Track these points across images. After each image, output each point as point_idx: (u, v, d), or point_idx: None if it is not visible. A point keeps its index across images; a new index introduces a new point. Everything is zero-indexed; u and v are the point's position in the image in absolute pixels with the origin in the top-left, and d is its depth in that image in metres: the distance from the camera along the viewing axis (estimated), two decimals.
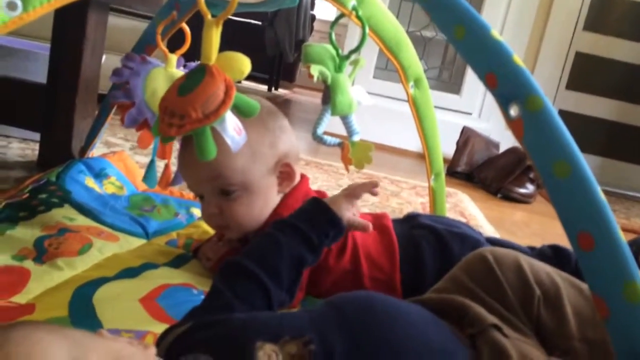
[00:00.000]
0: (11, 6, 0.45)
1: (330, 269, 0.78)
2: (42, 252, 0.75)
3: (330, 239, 0.66)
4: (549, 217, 2.03)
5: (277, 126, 0.79)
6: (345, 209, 0.67)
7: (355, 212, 0.69)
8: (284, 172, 0.79)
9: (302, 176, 0.84)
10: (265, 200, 0.78)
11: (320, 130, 0.77)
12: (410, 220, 0.88)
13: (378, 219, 0.85)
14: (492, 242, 0.86)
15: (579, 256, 0.44)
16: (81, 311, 0.63)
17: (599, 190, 0.44)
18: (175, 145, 0.98)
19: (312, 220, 0.65)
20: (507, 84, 0.49)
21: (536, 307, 0.57)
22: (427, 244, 0.80)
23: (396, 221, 0.87)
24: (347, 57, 0.80)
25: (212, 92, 0.59)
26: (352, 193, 0.69)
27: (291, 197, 0.81)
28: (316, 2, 4.84)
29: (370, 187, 0.70)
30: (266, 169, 0.77)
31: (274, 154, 0.78)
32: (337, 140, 0.80)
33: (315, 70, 0.75)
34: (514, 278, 0.59)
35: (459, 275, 0.62)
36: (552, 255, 0.83)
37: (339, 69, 0.80)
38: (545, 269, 0.60)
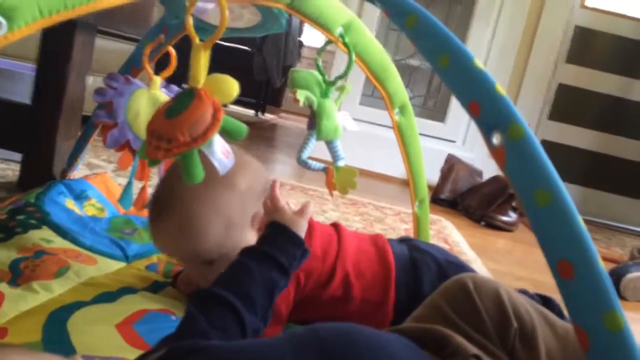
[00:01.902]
0: None
1: (319, 298, 0.76)
2: (17, 275, 0.73)
3: (298, 260, 0.66)
4: (531, 245, 2.04)
5: (244, 182, 0.74)
6: (301, 226, 0.68)
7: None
8: (263, 225, 0.74)
9: None
10: None
11: (305, 155, 0.77)
12: (407, 242, 0.86)
13: (374, 239, 0.84)
14: None
15: (559, 285, 0.44)
16: (55, 336, 0.61)
17: (579, 219, 0.44)
18: (154, 169, 0.97)
19: (278, 244, 0.65)
20: (489, 113, 0.50)
21: (512, 339, 0.57)
22: (428, 270, 0.78)
23: (393, 241, 0.85)
24: (334, 83, 0.81)
25: (200, 115, 0.59)
26: (301, 210, 0.69)
27: None
28: (304, 29, 4.90)
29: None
30: (242, 231, 0.73)
31: (247, 212, 0.74)
32: (322, 165, 0.80)
33: (301, 95, 0.75)
34: (492, 307, 0.58)
35: (437, 301, 0.61)
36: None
37: (325, 94, 0.80)
38: (524, 304, 0.60)
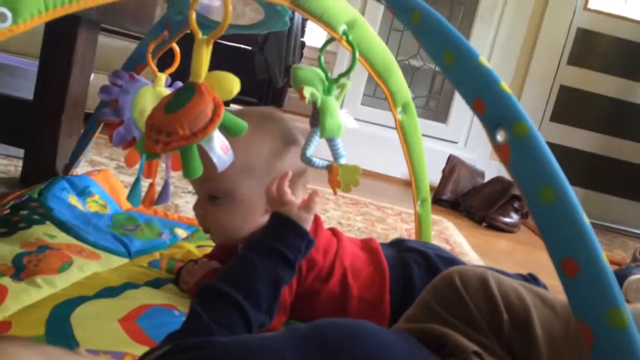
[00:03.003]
0: (1, 18, 0.44)
1: (319, 291, 0.77)
2: (20, 269, 0.73)
3: (303, 252, 0.65)
4: (532, 247, 2.04)
5: (283, 142, 0.77)
6: (299, 214, 0.66)
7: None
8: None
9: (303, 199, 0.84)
10: (247, 215, 0.77)
11: (309, 152, 0.77)
12: (398, 245, 0.88)
13: (366, 243, 0.85)
14: None
15: (563, 283, 0.44)
16: (58, 330, 0.61)
17: (584, 216, 0.44)
18: (161, 166, 0.97)
19: (283, 237, 0.64)
20: (494, 110, 0.50)
21: (506, 332, 0.56)
22: (417, 266, 0.80)
23: (384, 245, 0.86)
24: (336, 80, 0.81)
25: (201, 110, 0.59)
26: (307, 205, 0.67)
27: None
28: (306, 29, 4.90)
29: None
30: (256, 184, 0.75)
31: (267, 171, 0.76)
32: (326, 162, 0.80)
33: (307, 91, 0.75)
34: (481, 300, 0.57)
35: (427, 299, 0.60)
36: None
37: (327, 91, 0.80)
38: (515, 288, 0.58)
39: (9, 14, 0.45)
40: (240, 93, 0.61)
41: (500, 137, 0.49)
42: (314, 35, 5.68)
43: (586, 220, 0.44)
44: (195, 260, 0.85)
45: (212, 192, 0.76)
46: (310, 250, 0.67)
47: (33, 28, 0.48)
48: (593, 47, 3.04)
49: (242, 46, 4.40)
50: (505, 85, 0.51)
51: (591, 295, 0.42)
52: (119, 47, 2.01)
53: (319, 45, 0.83)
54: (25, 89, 1.29)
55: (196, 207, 0.79)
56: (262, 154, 0.76)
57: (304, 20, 4.63)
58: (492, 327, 0.56)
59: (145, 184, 0.95)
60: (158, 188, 0.94)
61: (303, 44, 4.88)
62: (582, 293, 0.43)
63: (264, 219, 0.77)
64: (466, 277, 0.59)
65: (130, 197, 0.94)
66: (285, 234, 0.64)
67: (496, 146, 0.49)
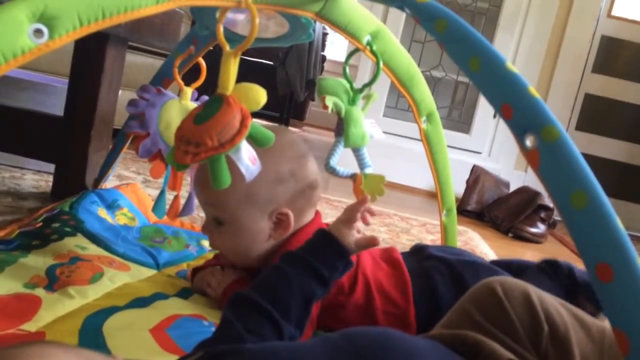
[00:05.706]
0: (38, 34, 0.46)
1: (343, 304, 0.77)
2: (53, 280, 0.75)
3: (339, 272, 0.64)
4: (560, 257, 2.01)
5: (286, 170, 0.76)
6: (349, 236, 0.65)
7: (357, 233, 0.66)
8: (280, 220, 0.77)
9: (315, 212, 0.84)
10: (251, 242, 0.78)
11: (333, 161, 0.77)
12: (419, 253, 0.87)
13: (387, 253, 0.84)
14: (499, 263, 0.86)
15: (597, 288, 0.43)
16: (91, 340, 0.62)
17: (617, 220, 0.43)
18: (186, 179, 0.98)
19: (322, 254, 0.63)
20: (523, 115, 0.50)
21: (544, 344, 0.56)
22: (440, 275, 0.79)
23: (405, 254, 0.86)
24: (361, 90, 0.82)
25: (228, 121, 0.60)
26: (349, 218, 0.66)
27: (303, 233, 0.79)
28: (327, 43, 4.94)
29: (364, 204, 0.67)
30: (259, 213, 0.76)
31: (270, 200, 0.76)
32: (350, 171, 0.80)
33: (329, 101, 0.75)
34: (523, 311, 0.57)
35: (467, 307, 0.60)
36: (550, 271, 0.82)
37: (352, 102, 0.81)
38: (555, 305, 0.58)
39: (45, 30, 0.46)
40: (263, 107, 0.62)
41: (529, 142, 0.49)
42: (334, 49, 5.72)
43: (620, 225, 0.43)
44: (221, 266, 0.86)
45: (216, 216, 0.78)
46: (349, 269, 0.66)
47: (63, 47, 0.49)
48: (618, 54, 3.00)
49: (264, 61, 4.44)
50: (534, 90, 0.50)
51: (627, 301, 0.41)
52: (146, 64, 2.05)
53: (340, 59, 0.84)
54: (56, 106, 1.33)
55: (203, 229, 0.81)
56: (265, 183, 0.75)
57: (324, 34, 4.66)
58: (531, 338, 0.56)
59: (170, 196, 0.96)
60: (182, 200, 0.95)
61: (324, 58, 4.92)
62: (617, 299, 0.42)
63: (269, 244, 0.78)
64: (508, 287, 0.59)
65: (154, 209, 0.95)
66: (325, 252, 0.64)
67: (525, 152, 0.49)
